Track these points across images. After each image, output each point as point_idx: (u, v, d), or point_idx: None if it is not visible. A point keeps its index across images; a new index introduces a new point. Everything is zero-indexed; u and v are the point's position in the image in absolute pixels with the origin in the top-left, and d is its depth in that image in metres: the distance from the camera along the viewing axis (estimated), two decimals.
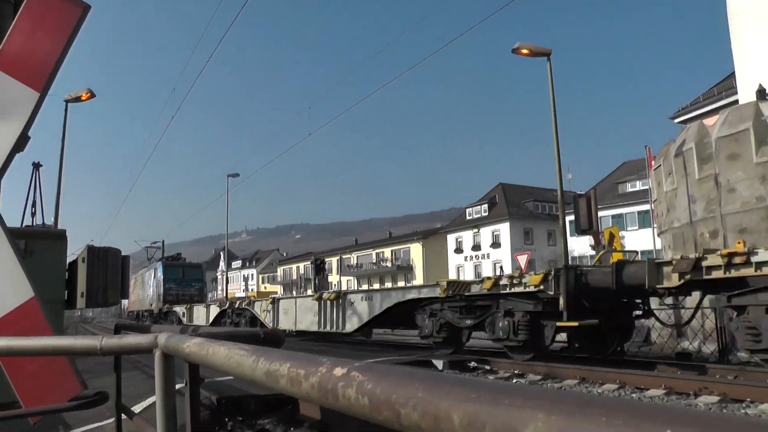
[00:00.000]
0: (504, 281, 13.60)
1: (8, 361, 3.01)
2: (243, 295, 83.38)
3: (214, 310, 30.10)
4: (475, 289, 14.24)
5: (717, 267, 10.05)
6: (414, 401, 0.74)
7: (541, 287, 12.49)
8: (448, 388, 0.72)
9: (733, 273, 9.85)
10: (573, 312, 12.00)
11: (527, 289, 12.92)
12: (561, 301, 12.02)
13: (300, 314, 21.55)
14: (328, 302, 19.51)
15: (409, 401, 0.75)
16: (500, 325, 13.58)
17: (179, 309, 36.77)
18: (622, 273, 11.53)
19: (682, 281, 10.56)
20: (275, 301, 23.71)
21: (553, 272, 12.42)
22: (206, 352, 1.61)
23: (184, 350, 1.85)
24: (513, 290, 13.32)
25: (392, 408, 0.78)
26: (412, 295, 16.52)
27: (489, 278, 14.19)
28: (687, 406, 7.67)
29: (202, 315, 31.79)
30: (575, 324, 12.04)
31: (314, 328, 20.26)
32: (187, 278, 46.29)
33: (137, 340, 2.29)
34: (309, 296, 21.52)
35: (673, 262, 10.78)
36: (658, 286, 11.09)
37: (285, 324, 22.44)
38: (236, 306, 27.84)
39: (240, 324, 26.03)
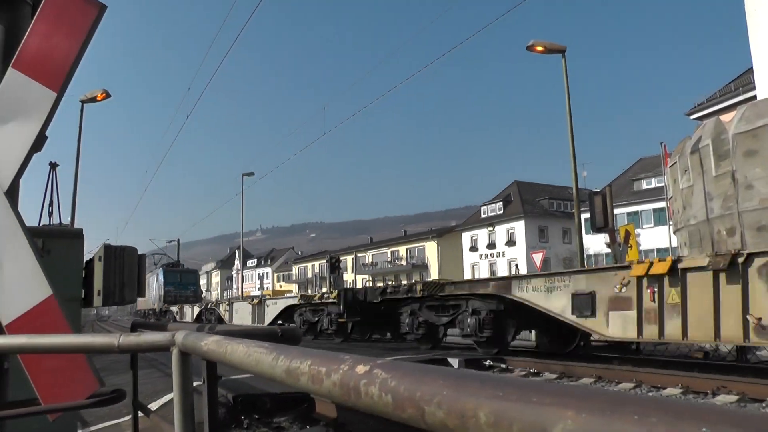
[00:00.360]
0: (326, 295, 22.45)
1: (27, 359, 3.03)
2: (258, 293, 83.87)
3: (196, 310, 40.79)
4: (315, 300, 23.55)
5: (393, 291, 18.40)
6: (439, 399, 0.73)
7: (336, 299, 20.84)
8: (474, 386, 0.71)
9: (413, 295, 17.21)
10: (349, 314, 19.92)
11: (332, 300, 21.47)
12: (341, 307, 20.12)
13: (243, 313, 30.54)
14: (256, 306, 29.27)
15: (433, 399, 0.74)
16: (324, 321, 22.52)
17: (174, 308, 46.26)
18: (368, 292, 19.93)
19: (381, 299, 18.77)
20: (231, 304, 34.08)
21: (338, 292, 20.81)
22: (224, 350, 1.60)
23: (201, 348, 1.84)
24: (327, 300, 22.08)
25: (416, 406, 0.76)
26: (288, 302, 26.36)
27: (317, 293, 25.19)
28: None
29: (188, 313, 42.12)
30: (343, 320, 20.46)
31: (249, 323, 28.75)
32: (183, 282, 53.75)
33: (155, 337, 2.29)
34: (246, 300, 31.85)
35: (382, 288, 19.57)
36: (374, 301, 19.27)
37: (236, 320, 31.50)
38: (208, 306, 38.96)
39: (211, 320, 34.98)
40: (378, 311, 19.37)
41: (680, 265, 10.01)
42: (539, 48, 22.96)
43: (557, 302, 12.02)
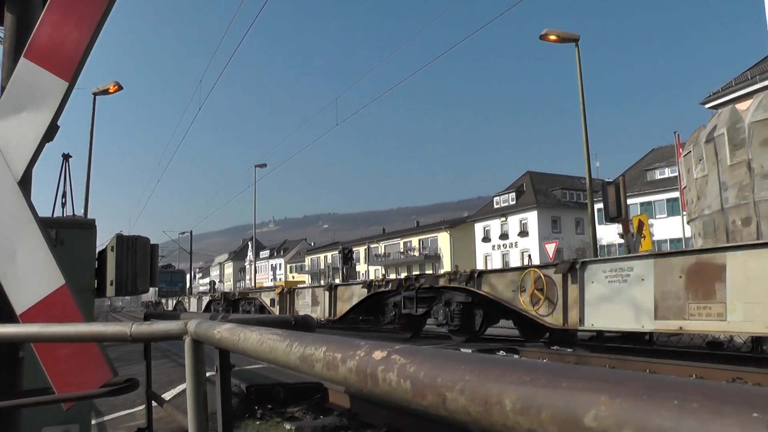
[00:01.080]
0: (218, 295, 41.38)
1: (41, 348, 3.03)
2: (271, 284, 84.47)
3: (196, 300, 57.06)
4: (216, 297, 41.44)
5: (215, 296, 43.77)
6: (461, 385, 0.70)
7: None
8: (499, 371, 0.68)
9: None
10: (227, 306, 35.28)
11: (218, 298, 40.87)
12: (222, 302, 36.65)
13: (194, 305, 45.95)
14: (197, 300, 46.12)
15: (455, 385, 0.71)
16: (219, 309, 35.26)
17: (163, 300, 67.46)
18: (226, 296, 37.85)
19: (234, 299, 36.28)
20: (189, 298, 53.38)
21: (221, 293, 41.81)
22: (237, 337, 1.58)
23: (214, 336, 1.83)
24: (219, 297, 39.44)
25: (437, 392, 0.73)
26: (209, 298, 42.39)
27: (216, 294, 46.39)
28: None
29: (170, 305, 61.08)
30: (222, 307, 35.55)
31: (196, 310, 42.99)
32: (173, 281, 70.19)
33: (167, 326, 2.28)
34: (195, 297, 50.41)
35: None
36: (231, 299, 36.69)
37: (191, 309, 47.04)
38: (179, 299, 57.26)
39: (182, 309, 51.16)
40: (235, 305, 34.57)
41: (296, 288, 28.73)
42: (552, 37, 22.80)
43: (268, 300, 29.97)
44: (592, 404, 0.55)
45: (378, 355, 0.88)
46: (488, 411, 0.65)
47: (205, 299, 43.63)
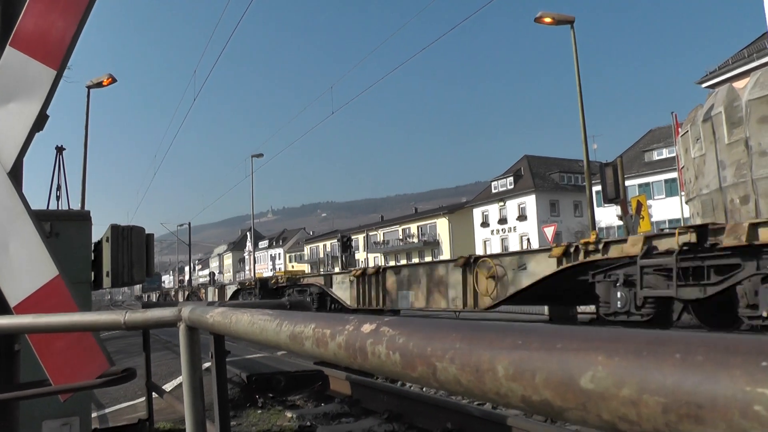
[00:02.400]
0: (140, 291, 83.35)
1: (36, 339, 3.00)
2: (271, 274, 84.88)
3: (156, 294, 70.12)
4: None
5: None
6: (451, 353, 0.67)
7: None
8: (490, 337, 0.64)
9: None
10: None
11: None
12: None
13: (153, 297, 59.07)
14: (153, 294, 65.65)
15: (446, 354, 0.67)
16: (153, 297, 65.41)
17: (144, 294, 79.86)
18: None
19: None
20: (151, 293, 71.74)
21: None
22: (230, 321, 1.56)
23: (207, 321, 1.80)
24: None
25: (427, 362, 0.70)
26: (164, 290, 72.13)
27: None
28: None
29: (146, 297, 72.44)
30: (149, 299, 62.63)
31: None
32: (153, 279, 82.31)
33: (161, 313, 2.25)
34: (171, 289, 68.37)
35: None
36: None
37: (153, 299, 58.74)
38: (148, 295, 70.72)
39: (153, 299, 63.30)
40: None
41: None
42: (547, 19, 22.64)
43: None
44: (588, 365, 0.52)
45: (367, 328, 0.85)
46: (480, 379, 0.62)
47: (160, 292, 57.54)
